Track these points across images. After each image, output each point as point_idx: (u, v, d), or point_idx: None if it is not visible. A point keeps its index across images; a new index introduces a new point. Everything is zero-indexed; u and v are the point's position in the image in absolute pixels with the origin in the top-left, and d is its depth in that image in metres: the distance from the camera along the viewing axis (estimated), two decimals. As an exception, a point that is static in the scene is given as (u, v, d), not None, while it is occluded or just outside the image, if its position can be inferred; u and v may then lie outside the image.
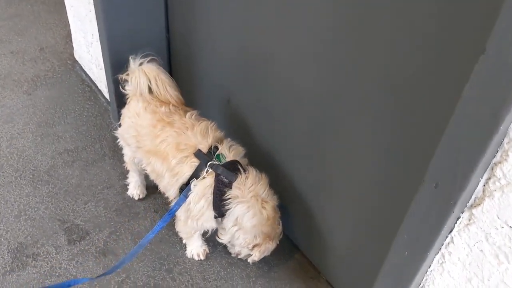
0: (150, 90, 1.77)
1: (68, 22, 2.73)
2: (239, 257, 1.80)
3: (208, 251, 1.90)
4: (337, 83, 1.38)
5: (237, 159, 1.65)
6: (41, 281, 1.76)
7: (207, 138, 1.65)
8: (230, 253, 1.86)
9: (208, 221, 1.68)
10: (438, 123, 0.91)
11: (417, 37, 1.06)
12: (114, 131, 1.99)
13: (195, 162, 1.61)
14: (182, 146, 1.62)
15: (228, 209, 1.60)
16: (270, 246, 1.70)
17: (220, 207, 1.60)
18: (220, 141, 1.68)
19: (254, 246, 1.68)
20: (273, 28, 1.57)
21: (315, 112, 1.53)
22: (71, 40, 2.88)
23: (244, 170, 1.61)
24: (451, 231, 0.91)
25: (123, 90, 1.86)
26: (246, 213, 1.60)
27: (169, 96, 1.75)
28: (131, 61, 1.77)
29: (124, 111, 1.86)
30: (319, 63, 1.42)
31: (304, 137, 1.63)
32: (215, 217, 1.66)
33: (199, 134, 1.64)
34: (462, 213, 0.87)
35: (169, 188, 1.70)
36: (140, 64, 1.76)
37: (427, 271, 0.99)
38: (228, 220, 1.63)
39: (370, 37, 1.20)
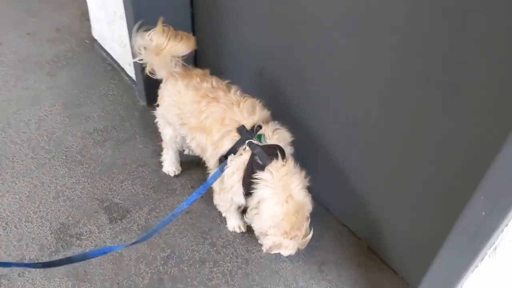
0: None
1: (83, 0, 2.67)
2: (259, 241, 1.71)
3: (248, 223, 1.92)
4: (395, 63, 1.36)
5: (281, 145, 1.60)
6: (88, 260, 1.77)
7: (253, 116, 1.63)
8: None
9: (237, 196, 1.67)
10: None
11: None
12: (152, 111, 1.96)
13: (236, 137, 1.60)
14: (227, 121, 1.61)
15: (255, 190, 1.58)
16: (285, 242, 1.58)
17: (248, 185, 1.59)
18: (266, 121, 1.65)
19: (266, 235, 1.62)
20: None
21: (362, 91, 1.50)
22: (86, 19, 2.83)
23: (283, 158, 1.56)
24: (534, 188, 0.91)
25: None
26: (268, 199, 1.56)
27: None
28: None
29: (162, 90, 1.84)
30: (375, 32, 1.39)
31: (350, 119, 1.62)
32: (244, 194, 1.65)
33: (245, 110, 1.62)
34: (547, 170, 0.87)
35: (210, 159, 1.71)
36: None
37: (503, 230, 0.99)
38: (252, 201, 1.63)
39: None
